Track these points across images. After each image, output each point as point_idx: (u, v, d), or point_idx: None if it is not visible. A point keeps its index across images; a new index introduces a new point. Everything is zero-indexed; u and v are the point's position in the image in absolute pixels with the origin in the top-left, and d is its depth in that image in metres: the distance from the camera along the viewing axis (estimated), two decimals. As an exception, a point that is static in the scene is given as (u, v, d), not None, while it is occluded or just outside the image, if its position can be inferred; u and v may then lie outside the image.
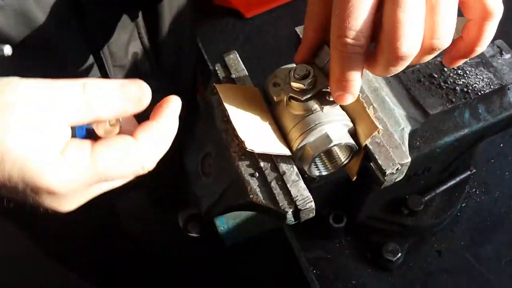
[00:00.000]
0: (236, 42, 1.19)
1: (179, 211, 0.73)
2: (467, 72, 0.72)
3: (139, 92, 0.47)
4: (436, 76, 0.71)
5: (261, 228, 0.77)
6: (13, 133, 0.42)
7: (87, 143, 0.46)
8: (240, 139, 0.54)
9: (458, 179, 0.84)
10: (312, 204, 0.54)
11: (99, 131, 0.48)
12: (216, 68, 0.65)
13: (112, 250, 1.44)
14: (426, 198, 0.81)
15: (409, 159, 0.56)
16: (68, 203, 0.47)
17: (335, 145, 0.54)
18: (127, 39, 0.84)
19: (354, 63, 0.48)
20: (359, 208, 0.78)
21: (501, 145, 0.96)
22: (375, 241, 0.83)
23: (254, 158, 0.56)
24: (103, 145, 0.46)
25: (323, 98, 0.55)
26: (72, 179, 0.44)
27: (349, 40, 0.47)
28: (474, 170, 0.86)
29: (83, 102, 0.44)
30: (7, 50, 0.54)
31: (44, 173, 0.43)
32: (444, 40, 0.48)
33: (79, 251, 1.33)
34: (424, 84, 0.71)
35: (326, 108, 0.54)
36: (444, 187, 0.83)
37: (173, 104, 0.50)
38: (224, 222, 0.69)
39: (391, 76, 0.70)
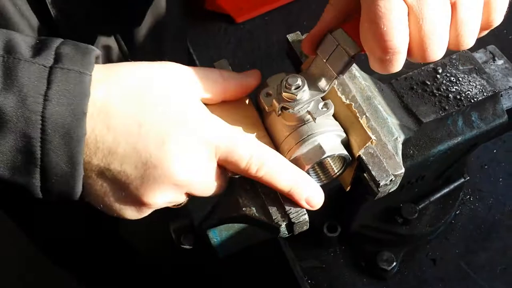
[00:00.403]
0: (228, 47, 1.18)
1: (170, 222, 0.72)
2: (460, 79, 0.71)
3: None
4: (429, 83, 0.71)
5: (255, 239, 0.75)
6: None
7: None
8: None
9: (452, 186, 0.83)
10: (306, 217, 0.53)
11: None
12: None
13: (109, 254, 1.43)
14: (420, 207, 0.80)
15: (403, 170, 0.55)
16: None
17: (328, 156, 0.53)
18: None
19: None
20: (353, 217, 0.78)
21: (494, 151, 0.96)
22: (370, 250, 0.83)
23: (246, 170, 0.55)
24: None
25: (315, 108, 0.54)
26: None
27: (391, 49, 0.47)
28: (468, 178, 0.85)
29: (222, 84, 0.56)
30: None
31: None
32: (469, 45, 0.50)
33: (75, 254, 1.32)
34: (416, 92, 0.70)
35: (319, 118, 0.53)
36: (438, 195, 0.82)
37: None
38: (217, 234, 0.68)
39: (384, 84, 0.69)
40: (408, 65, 0.76)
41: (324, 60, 0.54)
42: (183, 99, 0.51)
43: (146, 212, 0.53)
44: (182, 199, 0.54)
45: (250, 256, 0.85)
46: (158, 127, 0.47)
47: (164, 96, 0.49)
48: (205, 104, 0.54)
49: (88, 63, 0.46)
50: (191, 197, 0.56)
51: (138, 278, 1.51)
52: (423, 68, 0.72)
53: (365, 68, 0.66)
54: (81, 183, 0.47)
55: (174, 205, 0.55)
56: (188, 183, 0.50)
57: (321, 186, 0.59)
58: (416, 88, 0.70)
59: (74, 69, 0.44)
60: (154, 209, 0.53)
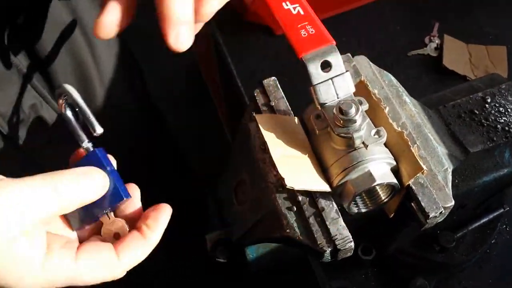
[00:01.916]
0: (266, 59, 1.18)
1: (206, 234, 0.72)
2: (509, 110, 0.70)
3: (102, 179, 0.50)
4: (477, 112, 0.70)
5: (289, 257, 0.75)
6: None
7: (72, 245, 0.49)
8: (280, 175, 0.53)
9: (491, 216, 0.82)
10: (352, 244, 0.52)
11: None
12: (255, 94, 0.64)
13: None
14: (458, 235, 0.79)
15: (453, 202, 0.54)
16: None
17: (378, 184, 0.52)
18: (17, 92, 0.73)
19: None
20: (389, 241, 0.77)
21: (534, 181, 0.94)
22: (403, 275, 0.81)
23: (292, 191, 0.55)
24: (87, 251, 0.49)
25: (367, 134, 0.53)
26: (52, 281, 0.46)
27: None
28: (508, 208, 0.84)
29: (55, 199, 0.45)
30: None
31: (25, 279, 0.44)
32: None
33: None
34: (464, 120, 0.69)
35: (371, 145, 0.53)
36: (477, 224, 0.81)
37: (165, 216, 0.53)
38: (254, 251, 0.68)
39: (432, 111, 0.68)
40: (455, 91, 0.75)
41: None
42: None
43: None
44: None
45: (279, 272, 0.85)
46: None
47: None
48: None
49: None
50: None
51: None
52: (471, 96, 0.72)
53: (413, 93, 0.66)
54: None
55: None
56: None
57: (365, 211, 0.58)
58: (464, 116, 0.69)
59: None
60: None
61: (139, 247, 0.51)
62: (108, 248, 0.50)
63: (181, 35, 0.47)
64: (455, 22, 1.23)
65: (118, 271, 0.50)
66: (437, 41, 1.18)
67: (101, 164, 0.51)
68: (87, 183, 0.48)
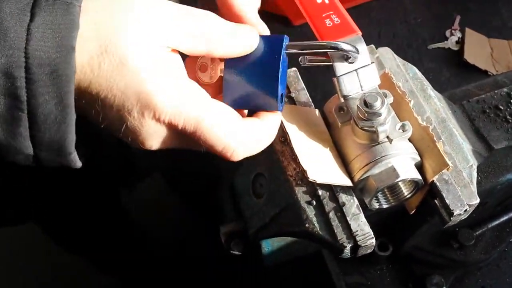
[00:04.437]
0: (283, 50, 1.16)
1: (221, 226, 0.71)
2: (535, 106, 0.68)
3: (250, 37, 0.49)
4: (502, 108, 0.68)
5: (305, 251, 0.74)
6: (133, 37, 0.41)
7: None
8: (302, 167, 0.52)
9: (511, 214, 0.80)
10: (373, 241, 0.51)
11: (204, 78, 0.50)
12: (275, 85, 0.62)
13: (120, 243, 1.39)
14: (477, 233, 0.77)
15: (477, 200, 0.53)
16: (159, 138, 0.46)
17: (401, 180, 0.51)
18: None
19: None
20: (407, 238, 0.75)
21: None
22: (419, 272, 0.80)
23: (311, 185, 0.54)
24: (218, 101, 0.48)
25: (392, 128, 0.52)
26: (182, 109, 0.44)
27: None
28: (529, 206, 0.82)
29: (203, 32, 0.45)
30: None
31: (161, 93, 0.42)
32: None
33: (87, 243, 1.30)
34: (489, 116, 0.67)
35: (395, 140, 0.51)
36: (497, 222, 0.79)
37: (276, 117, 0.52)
38: (270, 244, 0.67)
39: (455, 105, 0.67)
40: (479, 86, 0.74)
41: None
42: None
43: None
44: (193, 146, 0.48)
45: (292, 266, 0.83)
46: (119, 106, 0.43)
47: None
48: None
49: None
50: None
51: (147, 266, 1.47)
52: (496, 91, 0.70)
53: (433, 87, 0.64)
54: (73, 129, 0.42)
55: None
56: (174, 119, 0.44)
57: (387, 207, 0.57)
58: (488, 112, 0.67)
59: (60, 0, 0.39)
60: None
61: (260, 125, 0.50)
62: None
63: None
64: (477, 16, 1.20)
65: (242, 136, 0.48)
66: (458, 34, 1.16)
67: (278, 51, 0.49)
68: (239, 33, 0.48)
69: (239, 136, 0.48)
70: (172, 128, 0.45)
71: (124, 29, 0.41)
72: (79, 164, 0.45)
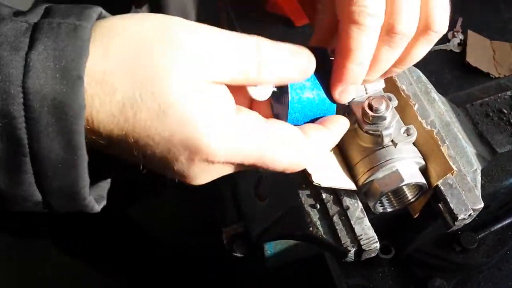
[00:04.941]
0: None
1: (223, 228, 0.71)
2: (539, 110, 0.68)
3: (306, 62, 0.44)
4: (506, 111, 0.68)
5: (307, 253, 0.74)
6: (180, 78, 0.36)
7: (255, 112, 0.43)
8: (306, 171, 0.51)
9: (513, 218, 0.80)
10: (377, 245, 0.51)
11: (254, 92, 0.43)
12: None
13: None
14: (480, 236, 0.77)
15: (482, 205, 0.52)
16: (209, 175, 0.42)
17: (406, 184, 0.51)
18: None
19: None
20: (409, 241, 0.75)
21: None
22: (421, 275, 0.80)
23: (316, 188, 0.54)
24: (274, 121, 0.44)
25: (396, 132, 0.52)
26: (238, 147, 0.40)
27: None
28: (531, 209, 0.82)
29: (255, 62, 0.40)
30: None
31: (213, 137, 0.38)
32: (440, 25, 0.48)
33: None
34: (492, 120, 0.67)
35: (400, 144, 0.51)
36: (500, 225, 0.79)
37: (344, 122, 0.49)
38: (272, 247, 0.67)
39: (459, 108, 0.66)
40: (483, 89, 0.73)
41: None
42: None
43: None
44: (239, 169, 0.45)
45: (294, 268, 0.84)
46: (164, 153, 0.38)
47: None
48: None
49: (87, 15, 0.35)
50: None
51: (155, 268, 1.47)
52: (499, 95, 0.70)
53: (438, 91, 0.64)
54: (86, 172, 0.36)
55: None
56: (231, 158, 0.40)
57: (391, 211, 0.57)
58: (492, 115, 0.67)
59: (67, 22, 0.34)
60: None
61: (324, 131, 0.47)
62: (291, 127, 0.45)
63: (347, 92, 0.47)
64: (479, 18, 1.20)
65: (306, 151, 0.44)
66: (460, 36, 1.16)
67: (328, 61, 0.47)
68: (294, 60, 0.43)
69: (304, 154, 0.45)
70: (228, 165, 0.41)
71: (168, 71, 0.36)
72: (97, 208, 0.41)
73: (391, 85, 0.57)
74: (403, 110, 0.56)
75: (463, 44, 1.15)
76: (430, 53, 1.17)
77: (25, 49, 0.33)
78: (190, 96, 0.37)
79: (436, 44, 1.15)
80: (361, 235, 0.51)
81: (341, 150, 0.56)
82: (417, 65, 0.66)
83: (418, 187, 0.53)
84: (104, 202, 0.42)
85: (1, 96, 0.32)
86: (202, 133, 0.37)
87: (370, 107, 0.50)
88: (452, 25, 1.19)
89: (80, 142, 0.35)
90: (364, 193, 0.54)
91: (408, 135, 0.51)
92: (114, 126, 0.36)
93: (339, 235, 0.52)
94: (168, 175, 0.41)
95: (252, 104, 0.48)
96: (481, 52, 1.13)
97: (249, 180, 0.64)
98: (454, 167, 0.51)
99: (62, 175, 0.36)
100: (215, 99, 0.39)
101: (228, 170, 0.43)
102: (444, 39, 1.16)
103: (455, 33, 1.16)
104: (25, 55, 0.33)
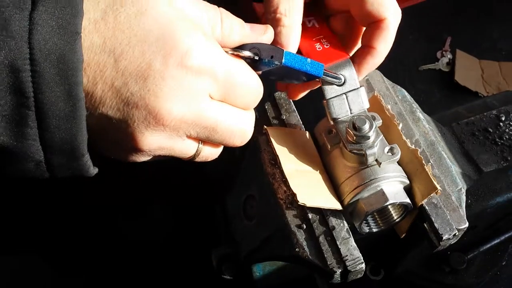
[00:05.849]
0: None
1: (212, 249, 0.70)
2: (525, 129, 0.68)
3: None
4: (491, 130, 0.68)
5: (296, 275, 0.73)
6: None
7: None
8: (292, 191, 0.51)
9: (503, 237, 0.80)
10: (363, 266, 0.51)
11: None
12: (266, 106, 0.63)
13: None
14: (469, 256, 0.77)
15: (466, 224, 0.52)
16: (180, 92, 0.42)
17: (391, 204, 0.51)
18: None
19: None
20: (398, 262, 0.75)
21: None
22: (411, 296, 0.79)
23: (302, 208, 0.54)
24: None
25: (381, 152, 0.52)
26: (212, 53, 0.42)
27: None
28: (520, 229, 0.81)
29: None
30: None
31: (188, 36, 0.41)
32: None
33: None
34: (478, 139, 0.68)
35: (384, 163, 0.51)
36: (488, 245, 0.79)
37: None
38: (261, 268, 0.66)
39: (445, 127, 0.67)
40: (469, 108, 0.74)
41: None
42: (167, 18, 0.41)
43: (143, 158, 0.45)
44: (188, 147, 0.46)
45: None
46: (138, 60, 0.40)
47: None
48: None
49: None
50: (214, 148, 0.48)
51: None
52: (485, 114, 0.70)
53: (424, 109, 0.64)
54: (84, 125, 0.39)
55: (187, 158, 0.47)
56: (181, 124, 0.42)
57: (377, 231, 0.57)
58: (477, 134, 0.68)
59: None
60: (153, 156, 0.45)
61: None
62: None
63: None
64: (468, 37, 1.22)
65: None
66: (449, 56, 1.17)
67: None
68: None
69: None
70: (200, 77, 0.42)
71: None
72: (92, 170, 0.42)
73: (376, 104, 0.58)
74: (388, 130, 0.56)
75: (451, 63, 1.16)
76: (419, 72, 1.19)
77: (29, 9, 0.36)
78: (171, 2, 0.41)
79: (425, 63, 1.17)
80: (347, 255, 0.51)
81: (327, 169, 0.56)
82: (405, 84, 0.66)
83: (403, 206, 0.53)
84: (97, 170, 0.43)
85: (9, 51, 0.35)
86: (178, 30, 0.40)
87: (354, 126, 0.50)
88: (441, 45, 1.20)
89: (79, 93, 0.37)
90: (350, 213, 0.54)
91: (392, 154, 0.51)
92: (95, 32, 0.39)
93: (325, 255, 0.51)
94: (141, 100, 0.41)
95: None
96: (469, 71, 1.14)
97: (237, 199, 0.64)
98: (438, 186, 0.51)
99: (63, 129, 0.38)
100: (193, 13, 0.43)
101: (201, 87, 0.42)
102: (433, 59, 1.18)
103: (444, 52, 1.18)
104: (29, 15, 0.36)
